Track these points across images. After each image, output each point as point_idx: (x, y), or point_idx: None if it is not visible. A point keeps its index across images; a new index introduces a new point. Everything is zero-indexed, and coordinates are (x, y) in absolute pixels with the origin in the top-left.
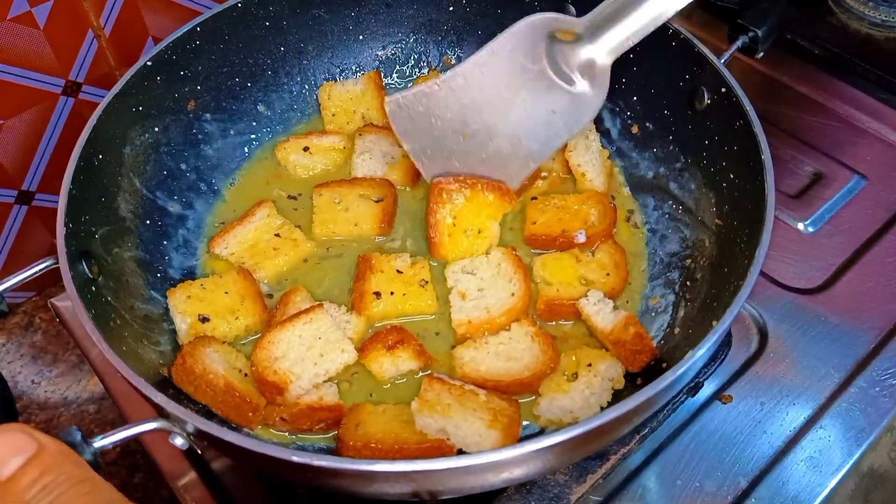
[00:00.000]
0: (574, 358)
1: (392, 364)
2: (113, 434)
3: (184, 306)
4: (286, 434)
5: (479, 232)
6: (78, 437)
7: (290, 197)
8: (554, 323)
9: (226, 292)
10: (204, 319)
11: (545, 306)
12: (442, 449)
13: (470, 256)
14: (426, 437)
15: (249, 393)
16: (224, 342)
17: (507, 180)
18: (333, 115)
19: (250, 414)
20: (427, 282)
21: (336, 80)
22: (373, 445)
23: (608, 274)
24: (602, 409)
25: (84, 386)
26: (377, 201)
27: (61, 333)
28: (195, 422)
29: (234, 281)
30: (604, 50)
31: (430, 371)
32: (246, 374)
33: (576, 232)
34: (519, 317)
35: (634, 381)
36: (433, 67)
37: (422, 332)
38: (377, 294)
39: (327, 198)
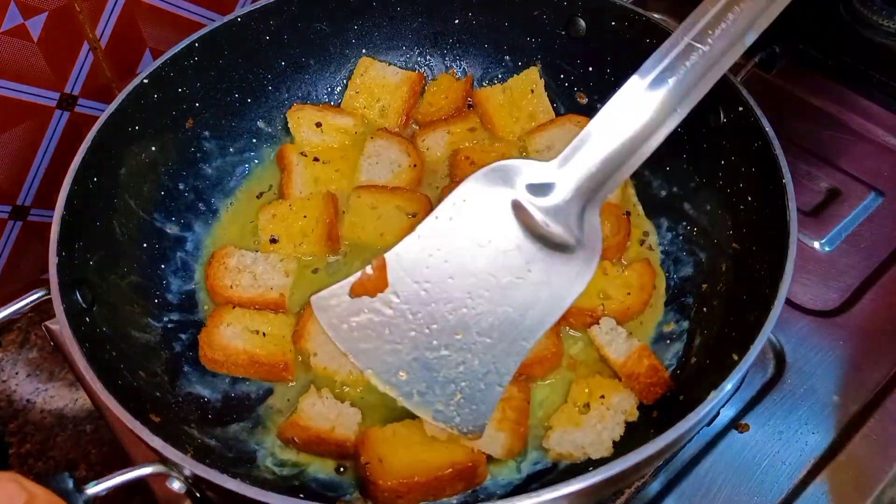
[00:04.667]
0: (587, 389)
1: None
2: (106, 480)
3: (266, 223)
4: (295, 454)
5: None
6: (70, 484)
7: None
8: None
9: (304, 216)
10: (273, 240)
11: None
12: (475, 466)
13: None
14: (454, 458)
15: (274, 356)
16: (235, 306)
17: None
18: (357, 92)
19: (284, 374)
20: None
21: (378, 60)
22: (406, 481)
23: (629, 293)
24: (614, 443)
25: (81, 405)
26: (410, 216)
27: (57, 350)
28: (192, 467)
29: (316, 206)
30: (583, 196)
31: None
32: (265, 334)
33: None
34: None
35: (649, 413)
36: (435, 78)
37: None
38: None
39: (365, 202)
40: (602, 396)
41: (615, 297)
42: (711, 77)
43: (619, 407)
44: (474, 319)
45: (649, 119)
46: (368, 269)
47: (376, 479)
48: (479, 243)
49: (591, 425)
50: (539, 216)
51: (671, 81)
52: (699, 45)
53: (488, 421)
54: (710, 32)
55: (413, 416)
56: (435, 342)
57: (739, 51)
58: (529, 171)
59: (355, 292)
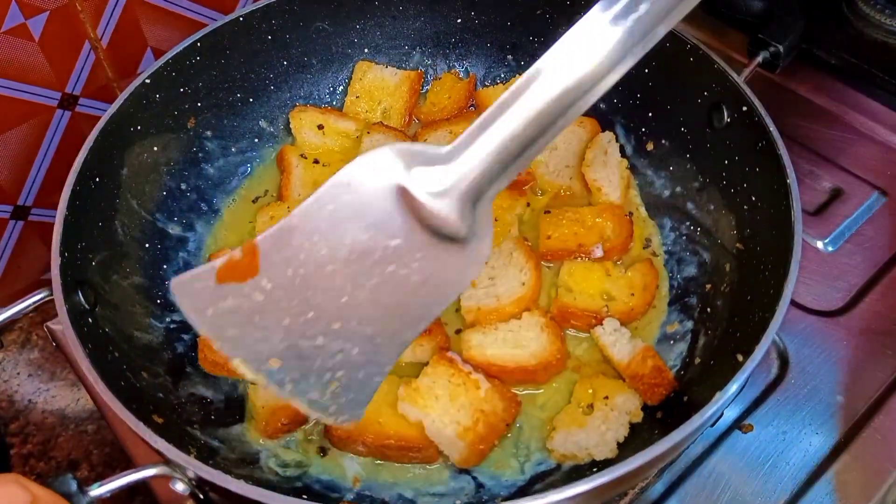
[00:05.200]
0: (590, 390)
1: (411, 350)
2: (109, 482)
3: (263, 226)
4: (298, 454)
5: (495, 220)
6: (73, 486)
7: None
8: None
9: None
10: None
11: (558, 311)
12: (421, 447)
13: None
14: (403, 432)
15: None
16: None
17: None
18: (357, 97)
19: None
20: None
21: (376, 62)
22: (356, 435)
23: (633, 294)
24: (619, 444)
25: (82, 405)
26: None
27: (59, 351)
28: (196, 468)
29: None
30: (474, 189)
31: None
32: None
33: (592, 246)
34: (529, 306)
35: (653, 413)
36: (438, 77)
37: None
38: None
39: None
40: (606, 397)
41: (619, 299)
42: (670, 20)
43: (623, 408)
44: (354, 309)
45: (596, 66)
46: (236, 253)
47: (332, 428)
48: (363, 230)
49: (595, 426)
50: (428, 205)
51: (632, 18)
52: None
53: (364, 410)
54: None
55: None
56: (310, 331)
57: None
58: (422, 156)
59: (221, 278)
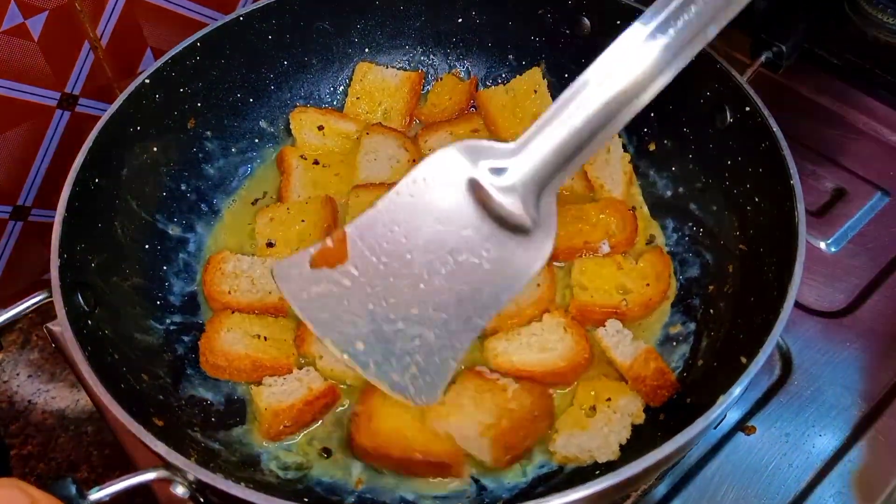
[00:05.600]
0: (593, 392)
1: None
2: (109, 486)
3: (263, 227)
4: (300, 456)
5: None
6: (73, 490)
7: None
8: None
9: (303, 220)
10: (270, 245)
11: (577, 311)
12: (448, 464)
13: None
14: (431, 448)
15: (277, 360)
16: (234, 311)
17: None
18: (358, 98)
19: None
20: None
21: (376, 63)
22: (380, 449)
23: (648, 284)
24: (621, 446)
25: (82, 406)
26: None
27: (58, 352)
28: (196, 472)
29: (314, 210)
30: (540, 181)
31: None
32: (266, 338)
33: (599, 243)
34: (548, 307)
35: (656, 416)
36: (439, 78)
37: None
38: None
39: (363, 201)
40: (608, 399)
41: (635, 290)
42: (707, 34)
43: (626, 410)
44: (430, 295)
45: (639, 76)
46: (328, 241)
47: (355, 432)
48: (438, 221)
49: (597, 428)
50: (497, 197)
51: (671, 32)
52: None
53: (441, 392)
54: None
55: None
56: (392, 315)
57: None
58: (491, 152)
59: (315, 263)
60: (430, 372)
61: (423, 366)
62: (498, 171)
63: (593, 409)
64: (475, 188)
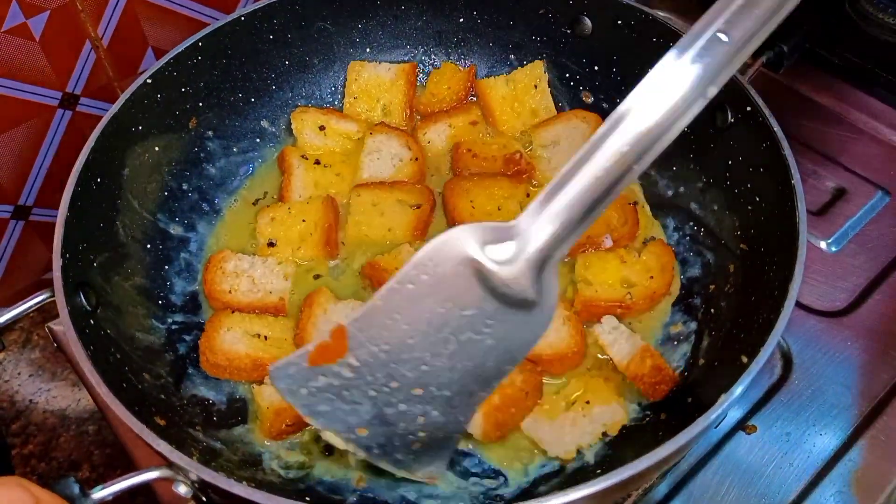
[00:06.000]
0: (581, 390)
1: None
2: (112, 485)
3: (264, 227)
4: (301, 455)
5: (498, 209)
6: (76, 489)
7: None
8: None
9: (303, 220)
10: (271, 244)
11: (582, 307)
12: None
13: None
14: None
15: (277, 358)
16: (234, 311)
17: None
18: (355, 98)
19: None
20: None
21: (368, 61)
22: None
23: (652, 277)
24: (580, 448)
25: (83, 406)
26: (414, 207)
27: (60, 351)
28: (199, 471)
29: (316, 210)
30: (540, 256)
31: None
32: (266, 337)
33: (602, 237)
34: None
35: (657, 414)
36: (437, 67)
37: None
38: None
39: (365, 200)
40: (587, 402)
41: (639, 283)
42: (730, 70)
43: (599, 418)
44: (433, 376)
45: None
46: (326, 337)
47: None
48: (439, 304)
49: (560, 424)
50: (499, 276)
51: (697, 69)
52: (723, 36)
53: (446, 465)
54: (733, 22)
55: None
56: (394, 399)
57: (758, 43)
58: (491, 234)
59: (313, 361)
60: (434, 447)
61: (426, 442)
62: (499, 250)
63: (572, 403)
64: (477, 268)
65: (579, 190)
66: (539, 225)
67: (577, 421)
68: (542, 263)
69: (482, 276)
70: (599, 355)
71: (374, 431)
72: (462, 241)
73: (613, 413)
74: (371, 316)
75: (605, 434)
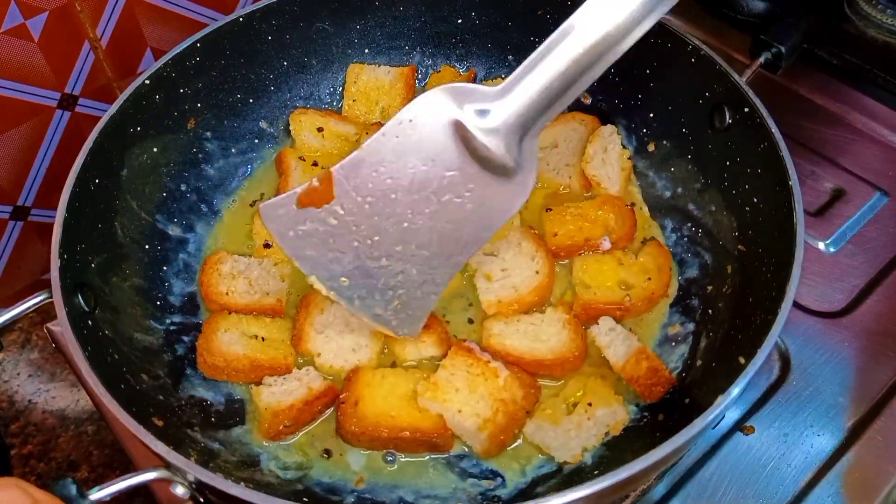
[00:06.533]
0: (580, 391)
1: (414, 347)
2: (110, 486)
3: (261, 228)
4: (300, 456)
5: None
6: (73, 490)
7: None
8: None
9: None
10: (267, 245)
11: (581, 310)
12: (436, 438)
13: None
14: (418, 424)
15: (276, 360)
16: (231, 312)
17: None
18: (354, 100)
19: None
20: None
21: (366, 62)
22: (369, 431)
23: (649, 278)
24: (585, 450)
25: (82, 406)
26: None
27: (59, 351)
28: (196, 472)
29: None
30: (522, 123)
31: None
32: (264, 339)
33: (600, 239)
34: (546, 294)
35: (655, 415)
36: (437, 71)
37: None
38: None
39: None
40: (589, 404)
41: (637, 285)
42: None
43: (603, 420)
44: (414, 233)
45: (621, 23)
46: (315, 182)
47: (343, 419)
48: (422, 162)
49: (565, 428)
50: (481, 139)
51: None
52: None
53: (420, 326)
54: None
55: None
56: (376, 253)
57: None
58: (475, 94)
59: (301, 203)
60: (411, 306)
61: (405, 300)
62: (483, 114)
63: (574, 406)
64: (460, 130)
65: (552, 71)
66: (517, 93)
67: (581, 424)
68: (522, 129)
69: (464, 136)
70: (602, 354)
71: (355, 282)
72: (444, 99)
73: (615, 414)
74: (357, 165)
75: (606, 434)
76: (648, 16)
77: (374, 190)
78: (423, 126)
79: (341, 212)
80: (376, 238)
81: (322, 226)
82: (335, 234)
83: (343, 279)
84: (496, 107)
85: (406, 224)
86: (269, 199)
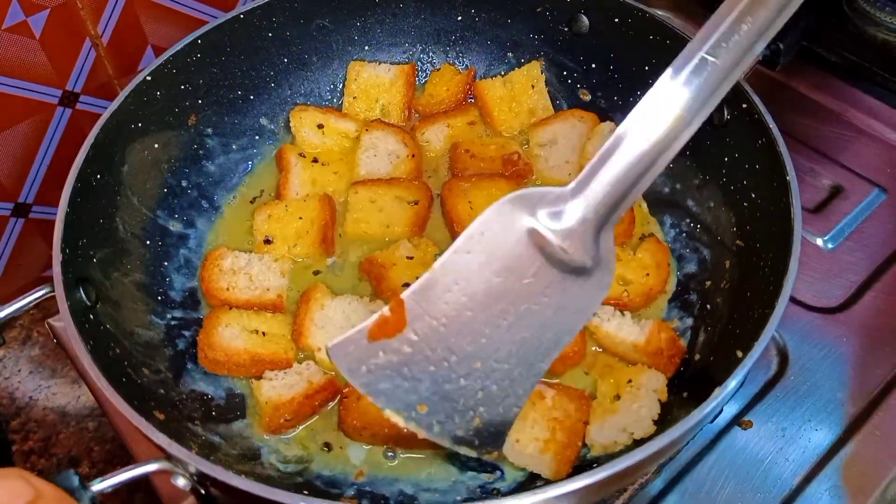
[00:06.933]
0: (612, 380)
1: None
2: (111, 477)
3: (261, 224)
4: (300, 450)
5: None
6: (76, 481)
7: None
8: None
9: (300, 217)
10: (267, 241)
11: None
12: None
13: None
14: None
15: (276, 354)
16: (232, 308)
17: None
18: (354, 97)
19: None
20: (440, 254)
21: (366, 60)
22: (370, 427)
23: (648, 274)
24: (654, 421)
25: (83, 402)
26: (412, 204)
27: (60, 347)
28: (197, 463)
29: (313, 208)
30: (598, 219)
31: None
32: (264, 334)
33: None
34: None
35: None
36: (437, 69)
37: None
38: (407, 285)
39: (363, 196)
40: (629, 381)
41: (635, 281)
42: (723, 89)
43: (650, 386)
44: (493, 348)
45: (668, 130)
46: (385, 311)
47: (344, 414)
48: (497, 274)
49: (627, 407)
50: (556, 242)
51: (689, 91)
52: (712, 58)
53: (505, 441)
54: (722, 45)
55: None
56: (454, 374)
57: (749, 60)
58: (546, 198)
59: (373, 336)
60: (493, 423)
61: (486, 418)
62: (557, 216)
63: (617, 397)
64: (535, 237)
65: (617, 171)
66: (592, 189)
67: (637, 396)
68: (598, 226)
69: (539, 242)
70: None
71: (433, 408)
72: (517, 207)
73: (656, 379)
74: (429, 287)
75: (658, 401)
76: (701, 111)
77: (448, 310)
78: (495, 238)
79: (415, 338)
80: (453, 359)
81: (396, 356)
82: (410, 361)
83: (421, 407)
84: (571, 206)
85: (484, 340)
86: (270, 199)
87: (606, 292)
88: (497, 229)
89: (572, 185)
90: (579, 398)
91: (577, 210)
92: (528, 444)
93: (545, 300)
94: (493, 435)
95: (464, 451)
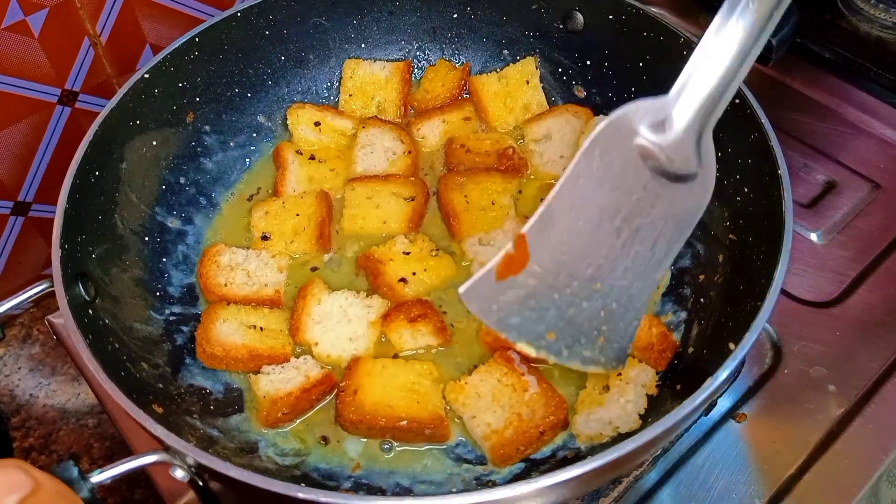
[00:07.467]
0: (602, 373)
1: (411, 336)
2: (111, 468)
3: (258, 221)
4: (297, 443)
5: (492, 204)
6: (75, 472)
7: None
8: None
9: (297, 214)
10: (265, 237)
11: None
12: (433, 427)
13: (486, 230)
14: (415, 414)
15: (274, 349)
16: (230, 303)
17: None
18: (350, 95)
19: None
20: (437, 250)
21: (363, 57)
22: (367, 420)
23: None
24: (640, 416)
25: (83, 400)
26: (408, 200)
27: (59, 345)
28: (196, 455)
29: (310, 204)
30: (700, 121)
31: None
32: (262, 329)
33: None
34: None
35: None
36: (432, 64)
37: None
38: (404, 280)
39: (360, 193)
40: (619, 374)
41: None
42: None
43: (638, 380)
44: (611, 267)
45: (742, 44)
46: (510, 248)
47: (341, 407)
48: (608, 195)
49: (614, 401)
50: (663, 154)
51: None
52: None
53: (627, 354)
54: None
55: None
56: (577, 299)
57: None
58: (649, 111)
59: (500, 275)
60: (616, 338)
61: (609, 335)
62: (659, 126)
63: (606, 388)
64: (642, 151)
65: (708, 77)
66: (691, 90)
67: (624, 391)
68: (700, 130)
69: (647, 156)
70: None
71: (561, 334)
72: (620, 126)
73: (644, 373)
74: (546, 219)
75: (646, 396)
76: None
77: (566, 238)
78: (603, 161)
79: (539, 269)
80: (575, 284)
81: (523, 290)
82: (535, 293)
83: (550, 335)
84: (676, 113)
85: (602, 261)
86: (267, 196)
87: (710, 194)
88: (605, 152)
89: (672, 92)
90: (555, 409)
91: (682, 114)
92: (479, 424)
93: (655, 212)
94: (617, 351)
95: (592, 369)
